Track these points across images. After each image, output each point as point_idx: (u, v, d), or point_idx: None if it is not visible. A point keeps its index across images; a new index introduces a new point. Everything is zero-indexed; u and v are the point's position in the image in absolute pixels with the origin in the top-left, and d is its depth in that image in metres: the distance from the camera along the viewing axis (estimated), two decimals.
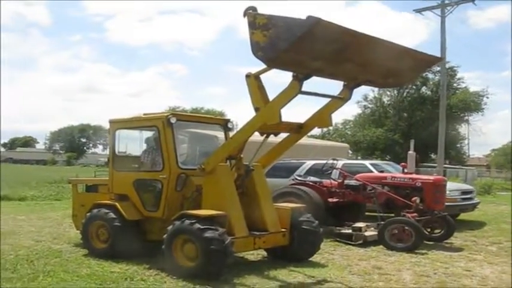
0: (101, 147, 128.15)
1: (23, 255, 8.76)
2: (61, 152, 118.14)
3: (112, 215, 8.60)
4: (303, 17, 5.76)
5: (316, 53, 6.21)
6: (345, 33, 5.95)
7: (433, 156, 47.32)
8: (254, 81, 7.57)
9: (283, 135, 8.58)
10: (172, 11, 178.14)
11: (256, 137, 8.16)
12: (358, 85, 7.77)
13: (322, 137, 49.10)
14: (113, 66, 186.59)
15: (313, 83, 6.95)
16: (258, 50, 6.17)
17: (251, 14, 6.31)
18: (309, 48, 6.04)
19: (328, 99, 7.74)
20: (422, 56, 7.29)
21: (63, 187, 25.82)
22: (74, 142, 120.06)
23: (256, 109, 7.45)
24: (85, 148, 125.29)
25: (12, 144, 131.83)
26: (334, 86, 7.62)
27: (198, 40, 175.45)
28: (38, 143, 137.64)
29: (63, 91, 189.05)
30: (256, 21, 6.19)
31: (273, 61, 6.40)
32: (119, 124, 9.42)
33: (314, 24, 5.62)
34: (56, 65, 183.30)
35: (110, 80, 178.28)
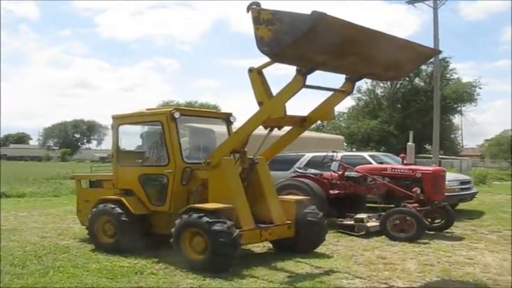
0: (95, 142, 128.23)
1: (30, 251, 8.82)
2: (55, 148, 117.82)
3: (118, 209, 8.67)
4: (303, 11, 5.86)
5: (320, 47, 6.28)
6: (349, 27, 6.02)
7: (427, 147, 47.59)
8: (257, 76, 7.61)
9: (286, 129, 8.68)
10: (163, 4, 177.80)
11: (259, 130, 8.23)
12: (360, 78, 7.90)
13: (317, 129, 49.21)
14: (104, 61, 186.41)
15: (315, 76, 7.02)
16: (263, 45, 6.24)
17: (255, 9, 6.35)
18: (314, 43, 6.11)
19: (330, 92, 7.84)
20: (421, 49, 7.39)
21: (61, 183, 25.88)
22: (67, 138, 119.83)
23: (260, 103, 7.48)
24: (79, 144, 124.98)
25: (6, 140, 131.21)
26: (336, 79, 7.71)
27: (189, 34, 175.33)
28: (31, 139, 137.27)
29: (55, 86, 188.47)
30: (260, 16, 6.23)
31: (278, 56, 6.46)
32: (121, 119, 9.46)
33: (319, 19, 5.70)
34: (47, 60, 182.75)
35: (101, 74, 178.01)
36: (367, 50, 6.67)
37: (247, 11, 6.45)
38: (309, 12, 5.78)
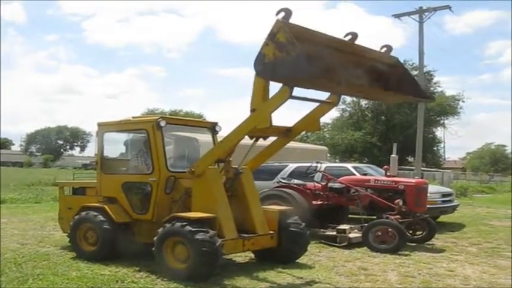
0: (78, 149, 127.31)
1: (9, 258, 8.71)
2: (38, 154, 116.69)
3: (101, 217, 8.62)
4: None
5: (309, 78, 6.40)
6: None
7: (409, 159, 47.94)
8: (261, 80, 7.29)
9: (271, 139, 8.69)
10: (151, 11, 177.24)
11: (244, 140, 8.23)
12: None
13: (300, 139, 49.27)
14: (90, 67, 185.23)
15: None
16: (260, 63, 6.33)
17: (279, 23, 6.17)
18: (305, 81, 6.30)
19: (316, 104, 7.87)
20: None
21: (42, 189, 25.73)
22: (50, 144, 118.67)
23: (253, 110, 7.37)
24: (62, 150, 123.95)
25: None
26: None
27: (176, 41, 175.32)
28: (13, 144, 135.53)
29: (40, 92, 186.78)
30: (277, 34, 6.16)
31: (266, 79, 6.68)
32: (107, 127, 9.43)
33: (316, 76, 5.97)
34: (32, 65, 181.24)
35: (87, 81, 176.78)
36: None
37: (276, 14, 6.24)
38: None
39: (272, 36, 6.20)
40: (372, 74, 7.35)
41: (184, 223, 7.36)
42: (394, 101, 22.55)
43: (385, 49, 7.16)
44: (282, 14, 6.20)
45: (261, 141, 8.55)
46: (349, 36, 6.99)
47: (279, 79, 6.48)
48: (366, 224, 10.71)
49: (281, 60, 6.09)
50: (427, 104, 44.03)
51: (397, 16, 32.69)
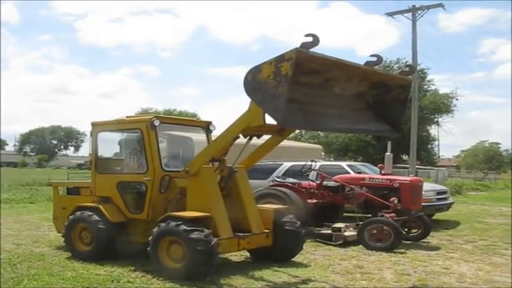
0: (72, 149, 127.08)
1: (4, 258, 8.67)
2: (32, 154, 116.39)
3: (96, 217, 8.60)
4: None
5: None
6: None
7: (404, 157, 47.97)
8: None
9: (265, 137, 8.67)
10: (144, 11, 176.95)
11: (238, 139, 8.21)
12: None
13: (295, 138, 49.29)
14: (84, 67, 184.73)
15: None
16: (251, 76, 6.31)
17: (295, 53, 5.89)
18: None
19: None
20: None
21: (37, 190, 25.63)
22: (44, 144, 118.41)
23: None
24: (56, 150, 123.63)
25: None
26: None
27: (170, 41, 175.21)
28: (7, 144, 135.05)
29: (34, 92, 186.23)
30: (284, 62, 5.95)
31: (245, 90, 6.55)
32: (101, 126, 9.39)
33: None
34: (25, 65, 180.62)
35: (81, 81, 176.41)
36: None
37: (306, 35, 5.98)
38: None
39: (280, 60, 6.00)
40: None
41: (179, 222, 7.35)
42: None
43: (375, 59, 7.00)
44: (310, 39, 5.92)
45: (255, 140, 8.54)
46: (374, 59, 6.87)
47: (253, 99, 6.57)
48: (361, 222, 10.71)
49: (266, 88, 6.09)
50: (421, 102, 44.20)
51: (390, 14, 32.72)
